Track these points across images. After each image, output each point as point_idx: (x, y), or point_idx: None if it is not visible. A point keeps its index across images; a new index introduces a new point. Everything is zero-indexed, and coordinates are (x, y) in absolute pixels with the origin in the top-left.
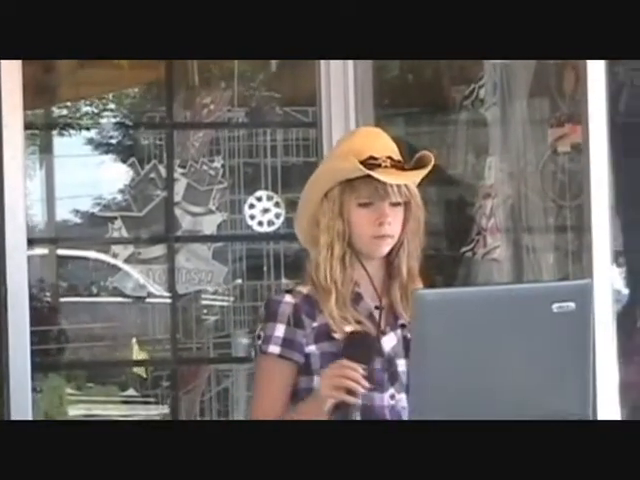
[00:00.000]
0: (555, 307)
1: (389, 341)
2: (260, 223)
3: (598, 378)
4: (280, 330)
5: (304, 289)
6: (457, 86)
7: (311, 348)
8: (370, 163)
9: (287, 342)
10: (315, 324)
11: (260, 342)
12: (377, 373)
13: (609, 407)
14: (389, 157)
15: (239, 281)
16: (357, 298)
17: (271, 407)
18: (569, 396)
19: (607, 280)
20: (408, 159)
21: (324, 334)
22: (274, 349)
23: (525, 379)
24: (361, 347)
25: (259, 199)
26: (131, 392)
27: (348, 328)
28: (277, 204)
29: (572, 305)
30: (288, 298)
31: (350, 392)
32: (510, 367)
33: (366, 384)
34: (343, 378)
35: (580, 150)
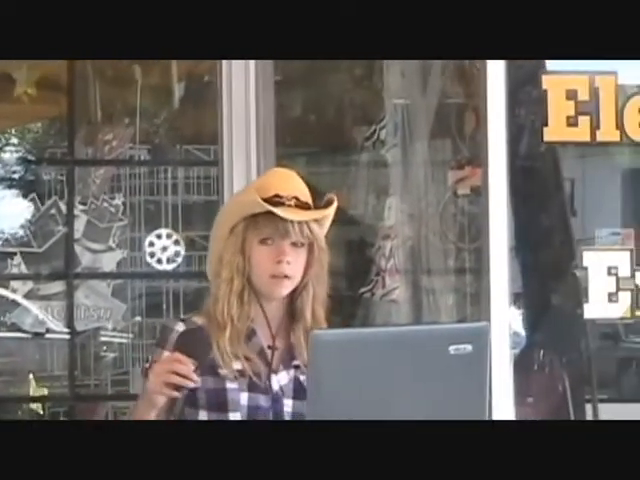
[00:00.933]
0: (452, 349)
1: (280, 379)
2: (159, 261)
3: (495, 418)
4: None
5: (199, 320)
6: (359, 127)
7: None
8: (274, 201)
9: None
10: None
11: (147, 366)
12: (262, 411)
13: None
14: (295, 197)
15: (138, 318)
16: (250, 334)
17: None
18: None
19: (505, 322)
20: (317, 202)
21: (210, 369)
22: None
23: (422, 419)
24: (195, 341)
25: (159, 237)
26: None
27: (236, 365)
28: (176, 242)
29: (469, 347)
30: (180, 327)
31: (178, 388)
32: (406, 408)
33: (196, 378)
34: (172, 373)
35: (480, 193)
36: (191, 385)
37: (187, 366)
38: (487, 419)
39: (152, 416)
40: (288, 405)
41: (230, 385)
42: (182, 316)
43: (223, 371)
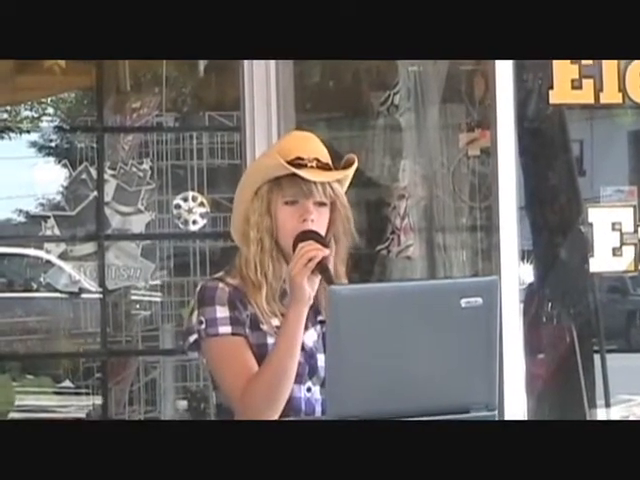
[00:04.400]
0: (463, 302)
1: (310, 336)
2: (185, 222)
3: (505, 370)
4: (223, 312)
5: (232, 281)
6: (374, 92)
7: (247, 332)
8: (296, 163)
9: (234, 320)
10: (247, 312)
11: (204, 327)
12: (298, 367)
13: (515, 397)
14: (316, 158)
15: (166, 277)
16: (283, 293)
17: (246, 380)
18: (476, 386)
19: (514, 277)
20: (336, 163)
21: (254, 324)
22: (225, 329)
23: (435, 370)
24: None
25: (185, 199)
26: (64, 383)
27: (275, 322)
28: (202, 204)
29: (479, 300)
30: (222, 284)
31: (319, 265)
32: (420, 359)
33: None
34: (306, 254)
35: (490, 154)
36: (327, 252)
37: (312, 245)
38: (495, 375)
39: (303, 319)
40: (321, 360)
41: (271, 340)
42: (212, 275)
43: (264, 326)
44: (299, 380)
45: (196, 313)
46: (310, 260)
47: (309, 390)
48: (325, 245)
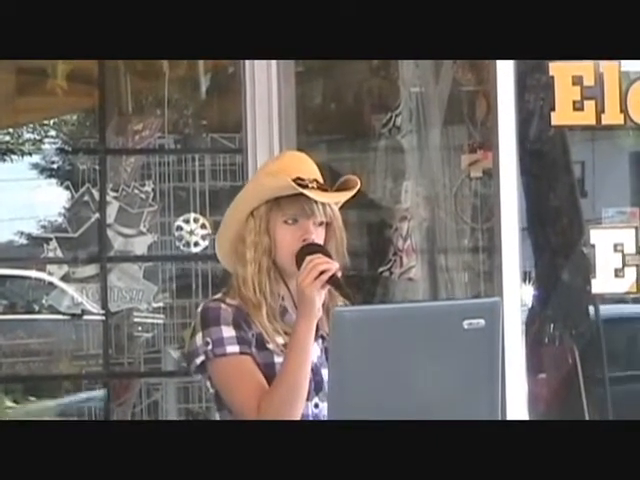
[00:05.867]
0: (466, 324)
1: (314, 351)
2: (187, 244)
3: (507, 391)
4: (229, 331)
5: (233, 301)
6: (376, 114)
7: (254, 351)
8: (299, 183)
9: (241, 340)
10: (252, 332)
11: (210, 347)
12: None
13: (517, 418)
14: (315, 179)
15: (169, 299)
16: (283, 312)
17: (258, 398)
18: (479, 407)
19: (516, 298)
20: (330, 184)
21: (260, 344)
22: (233, 349)
23: (437, 391)
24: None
25: (187, 221)
26: (66, 405)
27: (280, 340)
28: (203, 226)
29: (482, 322)
30: (224, 305)
31: (330, 278)
32: (423, 380)
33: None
34: (317, 266)
35: (492, 175)
36: (337, 265)
37: (322, 258)
38: (498, 396)
39: (313, 329)
40: (325, 375)
41: (278, 359)
42: (213, 297)
43: (270, 345)
44: (306, 397)
45: (200, 335)
46: (322, 272)
47: (316, 406)
48: (332, 258)
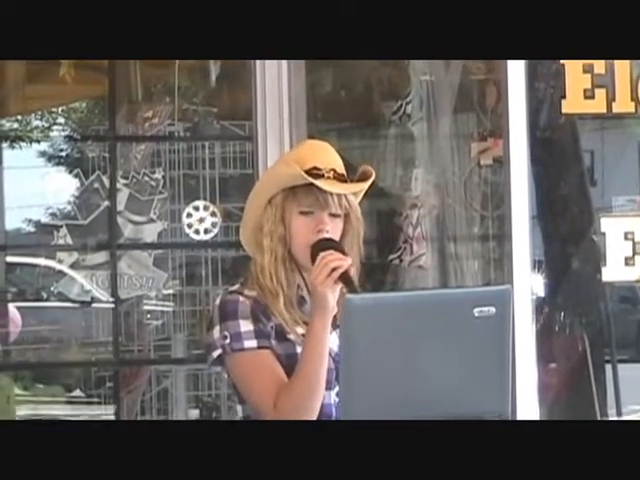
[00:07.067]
0: (476, 311)
1: (334, 340)
2: (197, 231)
3: (517, 379)
4: (247, 325)
5: (250, 293)
6: (386, 102)
7: (273, 343)
8: (314, 173)
9: (259, 333)
10: (271, 324)
11: (228, 341)
12: (327, 373)
13: (528, 406)
14: (333, 169)
15: (178, 287)
16: (301, 301)
17: (276, 392)
18: (489, 395)
19: (527, 286)
20: (351, 174)
21: (281, 334)
22: (250, 343)
23: (448, 379)
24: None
25: (196, 209)
26: (76, 392)
27: (300, 330)
28: (213, 213)
29: (492, 309)
30: (242, 298)
31: (342, 275)
32: (434, 368)
33: (349, 259)
34: (329, 263)
35: (502, 163)
36: (349, 261)
37: (334, 255)
38: (508, 383)
39: (329, 323)
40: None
41: (299, 350)
42: (229, 287)
43: (291, 336)
44: (328, 386)
45: (218, 328)
46: (334, 270)
47: (338, 395)
48: (345, 254)
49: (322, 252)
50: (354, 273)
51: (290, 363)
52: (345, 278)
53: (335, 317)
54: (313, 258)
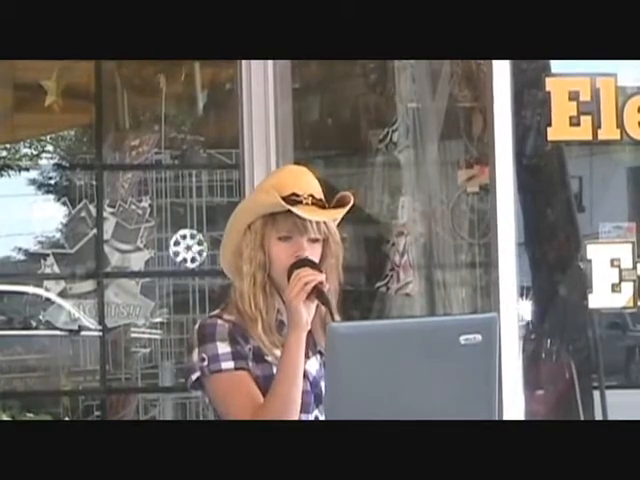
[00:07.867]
0: (462, 339)
1: (313, 365)
2: (184, 260)
3: (504, 406)
4: (224, 347)
5: (229, 317)
6: (373, 130)
7: (251, 365)
8: (292, 199)
9: (236, 355)
10: (249, 345)
11: (206, 363)
12: (304, 395)
13: None
14: (311, 195)
15: (166, 315)
16: (280, 325)
17: (252, 412)
18: None
19: (513, 313)
20: (330, 199)
21: (259, 356)
22: (227, 365)
23: (434, 407)
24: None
25: (183, 237)
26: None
27: (277, 352)
28: (200, 242)
29: (479, 337)
30: (221, 321)
31: (315, 290)
32: (420, 396)
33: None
34: (302, 278)
35: (488, 190)
36: (323, 277)
37: (307, 270)
38: (494, 411)
39: (303, 341)
40: (324, 388)
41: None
42: (210, 312)
43: (269, 358)
44: (306, 409)
45: (197, 351)
46: (306, 284)
47: (317, 419)
48: (320, 271)
49: (297, 269)
50: (329, 289)
51: (267, 384)
52: (317, 292)
53: (315, 343)
54: (289, 276)
